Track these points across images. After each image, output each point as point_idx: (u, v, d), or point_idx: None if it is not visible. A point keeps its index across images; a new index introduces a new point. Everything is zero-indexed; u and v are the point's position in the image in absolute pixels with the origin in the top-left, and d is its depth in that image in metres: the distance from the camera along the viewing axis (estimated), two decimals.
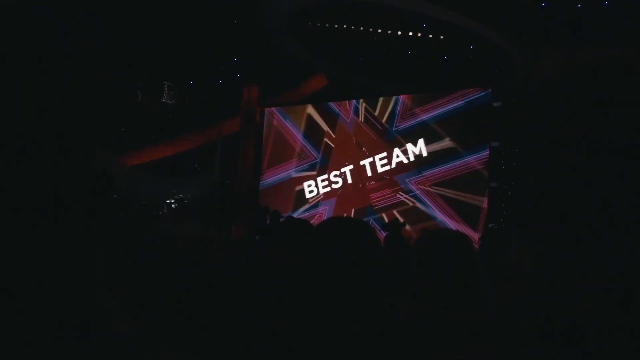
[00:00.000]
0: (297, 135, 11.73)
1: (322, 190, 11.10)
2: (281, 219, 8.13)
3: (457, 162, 9.87)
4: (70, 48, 0.45)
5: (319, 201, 11.15)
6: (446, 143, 9.99)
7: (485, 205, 9.50)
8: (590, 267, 0.37)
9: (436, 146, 10.10)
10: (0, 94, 0.42)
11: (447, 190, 9.91)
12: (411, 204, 10.16)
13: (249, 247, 1.89)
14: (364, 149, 10.80)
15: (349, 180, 10.88)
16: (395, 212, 10.21)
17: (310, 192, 11.28)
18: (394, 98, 10.62)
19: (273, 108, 12.39)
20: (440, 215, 9.91)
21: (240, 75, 11.76)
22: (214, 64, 11.08)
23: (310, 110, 11.61)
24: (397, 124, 10.58)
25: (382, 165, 10.57)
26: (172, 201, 12.42)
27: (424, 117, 10.30)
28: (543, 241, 0.41)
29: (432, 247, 1.34)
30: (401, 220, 9.56)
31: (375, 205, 10.50)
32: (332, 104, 11.34)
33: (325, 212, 11.04)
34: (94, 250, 0.47)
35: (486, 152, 9.63)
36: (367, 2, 8.81)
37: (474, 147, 9.70)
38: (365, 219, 9.73)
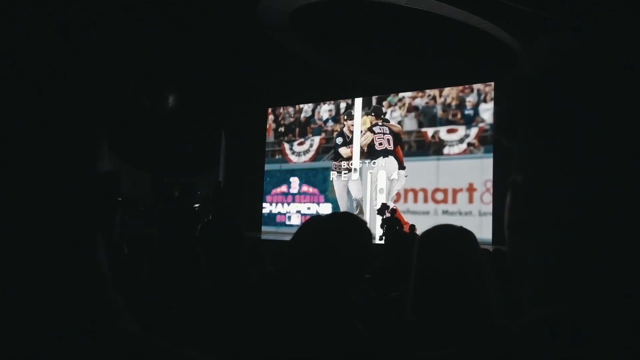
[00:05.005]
0: None
1: None
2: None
3: None
4: (72, 47, 0.46)
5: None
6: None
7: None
8: (589, 266, 0.38)
9: None
10: (6, 94, 0.42)
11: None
12: None
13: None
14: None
15: None
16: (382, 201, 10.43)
17: None
18: None
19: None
20: None
21: (242, 74, 11.75)
22: (214, 63, 11.08)
23: None
24: None
25: None
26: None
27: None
28: (537, 240, 0.40)
29: (434, 243, 1.34)
30: (391, 206, 9.92)
31: None
32: None
33: None
34: (102, 250, 0.48)
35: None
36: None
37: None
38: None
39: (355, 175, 12.21)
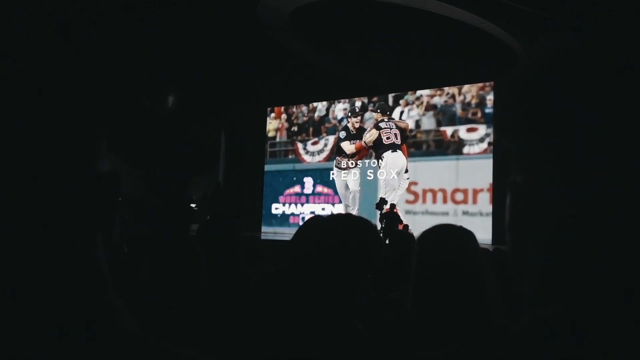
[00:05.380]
0: None
1: None
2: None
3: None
4: (73, 48, 0.46)
5: None
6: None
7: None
8: (588, 266, 0.37)
9: None
10: (6, 94, 0.42)
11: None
12: None
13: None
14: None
15: None
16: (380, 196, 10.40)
17: None
18: None
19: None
20: None
21: (242, 74, 11.75)
22: (214, 63, 11.09)
23: None
24: None
25: None
26: None
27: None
28: (537, 240, 0.40)
29: (434, 242, 1.34)
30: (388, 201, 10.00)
31: None
32: None
33: None
34: (102, 250, 0.48)
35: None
36: None
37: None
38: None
39: (355, 174, 12.10)
